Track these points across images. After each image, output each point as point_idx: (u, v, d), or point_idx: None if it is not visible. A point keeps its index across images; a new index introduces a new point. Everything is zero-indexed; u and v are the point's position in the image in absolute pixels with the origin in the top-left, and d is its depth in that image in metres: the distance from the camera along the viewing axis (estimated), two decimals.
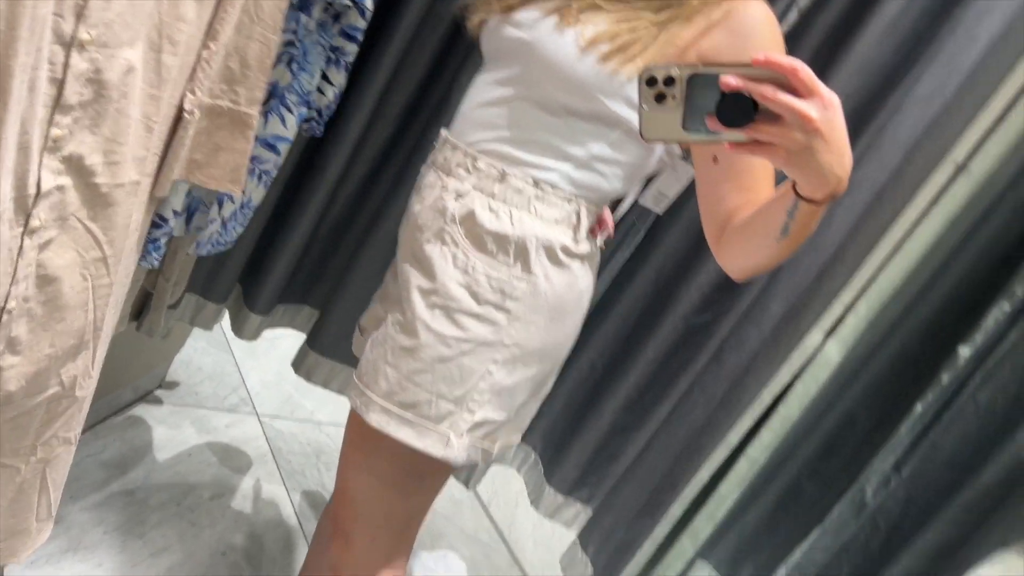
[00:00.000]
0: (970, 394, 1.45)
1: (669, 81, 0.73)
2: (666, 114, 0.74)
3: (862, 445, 1.59)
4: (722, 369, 1.49)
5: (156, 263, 1.14)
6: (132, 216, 0.89)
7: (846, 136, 0.75)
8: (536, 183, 0.98)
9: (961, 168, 1.15)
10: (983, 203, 1.15)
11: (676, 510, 1.35)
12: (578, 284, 1.02)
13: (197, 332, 1.81)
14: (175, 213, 1.12)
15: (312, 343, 1.69)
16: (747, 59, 0.71)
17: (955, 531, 1.43)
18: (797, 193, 0.81)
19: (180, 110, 0.89)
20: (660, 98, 0.74)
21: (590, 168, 0.99)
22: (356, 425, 1.03)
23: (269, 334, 1.75)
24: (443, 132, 1.07)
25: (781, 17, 1.36)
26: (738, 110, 0.72)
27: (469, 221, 0.98)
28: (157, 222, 1.10)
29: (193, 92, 0.88)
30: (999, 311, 1.42)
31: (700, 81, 0.73)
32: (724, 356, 1.52)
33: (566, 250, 0.99)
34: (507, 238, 0.97)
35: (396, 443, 0.98)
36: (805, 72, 0.70)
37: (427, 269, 0.99)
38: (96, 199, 0.83)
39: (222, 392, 2.13)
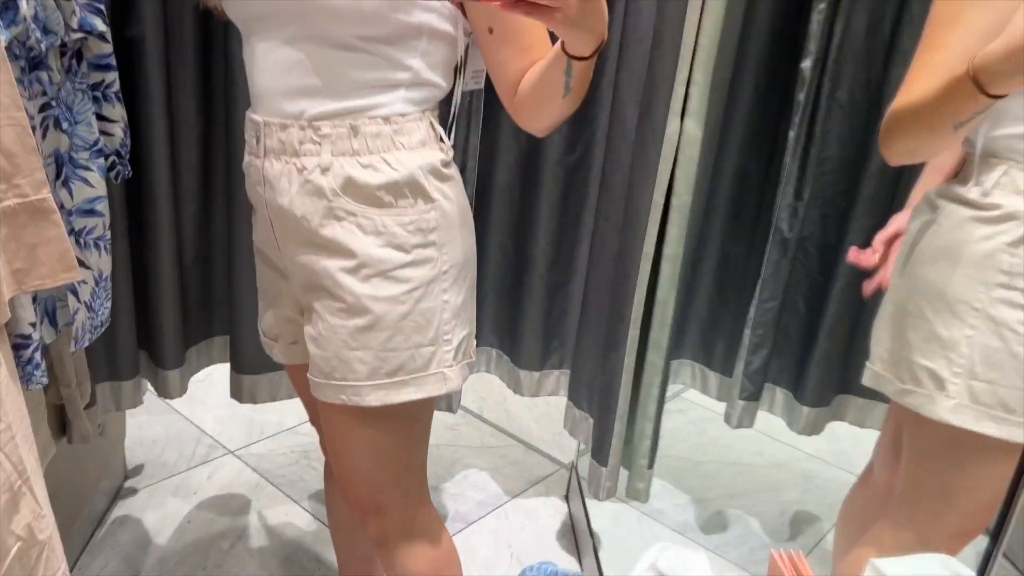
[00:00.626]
0: (827, 97, 1.52)
1: None
2: None
3: (760, 193, 1.67)
4: (611, 192, 1.52)
5: (45, 379, 1.09)
6: None
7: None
8: (387, 120, 0.96)
9: None
10: None
11: (633, 332, 1.41)
12: (461, 185, 1.04)
13: (132, 411, 1.76)
14: (33, 325, 1.06)
15: (238, 367, 1.66)
16: None
17: (874, 217, 1.52)
18: (568, 54, 0.86)
19: None
20: None
21: (418, 82, 0.98)
22: (343, 415, 1.02)
23: (198, 376, 1.72)
24: (255, 118, 1.00)
25: None
26: None
27: (352, 187, 0.96)
28: (20, 343, 1.05)
29: None
30: (818, 15, 1.47)
31: None
32: (608, 179, 1.54)
33: (444, 163, 1.00)
34: (396, 183, 0.96)
35: (395, 407, 1.00)
36: None
37: (339, 249, 0.97)
38: None
39: (187, 450, 2.09)
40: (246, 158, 1.04)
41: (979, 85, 0.85)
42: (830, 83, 1.50)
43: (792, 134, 1.55)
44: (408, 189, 0.96)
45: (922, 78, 0.94)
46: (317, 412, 1.15)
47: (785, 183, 1.59)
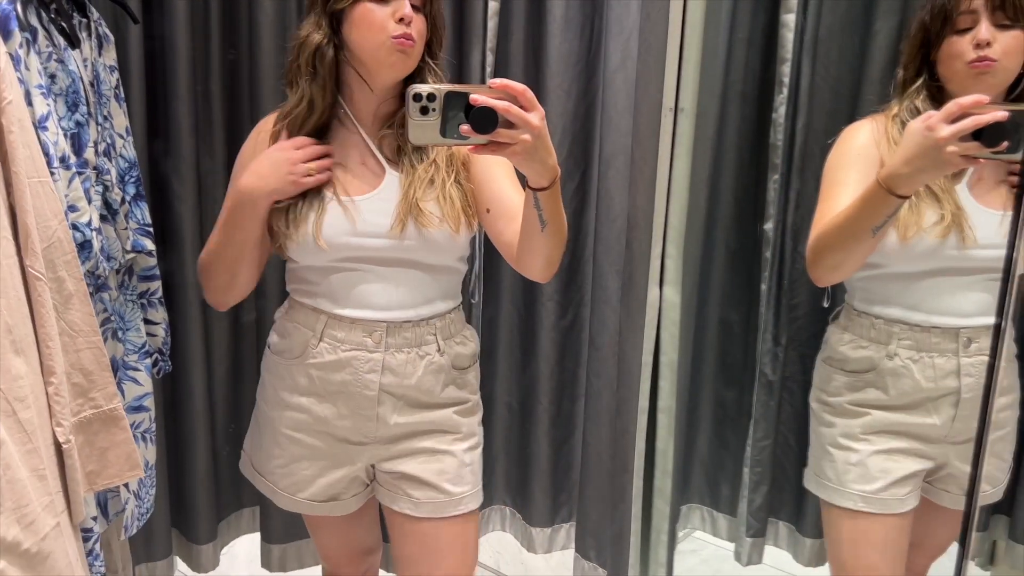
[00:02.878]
0: (791, 252, 1.69)
1: (431, 97, 0.96)
2: (427, 123, 0.97)
3: (743, 341, 1.82)
4: (600, 351, 1.67)
5: (103, 569, 1.18)
6: (67, 551, 0.96)
7: (549, 138, 1.03)
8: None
9: (676, 110, 1.37)
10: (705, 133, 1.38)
11: (637, 483, 1.51)
12: None
13: None
14: (95, 519, 1.17)
15: (268, 537, 1.75)
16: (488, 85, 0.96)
17: None
18: (531, 188, 1.07)
19: (57, 445, 0.96)
20: (424, 111, 0.96)
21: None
22: (449, 526, 1.30)
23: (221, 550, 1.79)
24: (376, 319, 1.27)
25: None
26: (485, 120, 0.95)
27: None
28: (84, 536, 1.15)
29: (60, 424, 0.96)
30: (773, 183, 1.66)
31: (454, 97, 0.96)
32: (597, 341, 1.70)
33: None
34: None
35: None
36: (529, 93, 0.97)
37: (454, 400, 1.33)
38: (32, 561, 0.89)
39: None
40: (348, 353, 1.25)
41: (889, 190, 1.12)
42: (791, 240, 1.69)
43: (764, 287, 1.72)
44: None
45: (827, 214, 1.25)
46: (361, 550, 1.46)
47: (763, 330, 1.75)
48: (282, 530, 1.75)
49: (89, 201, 1.15)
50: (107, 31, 1.31)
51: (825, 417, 1.40)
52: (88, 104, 1.18)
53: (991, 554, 1.92)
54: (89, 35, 1.24)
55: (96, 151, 1.20)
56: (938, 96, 1.26)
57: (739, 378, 1.82)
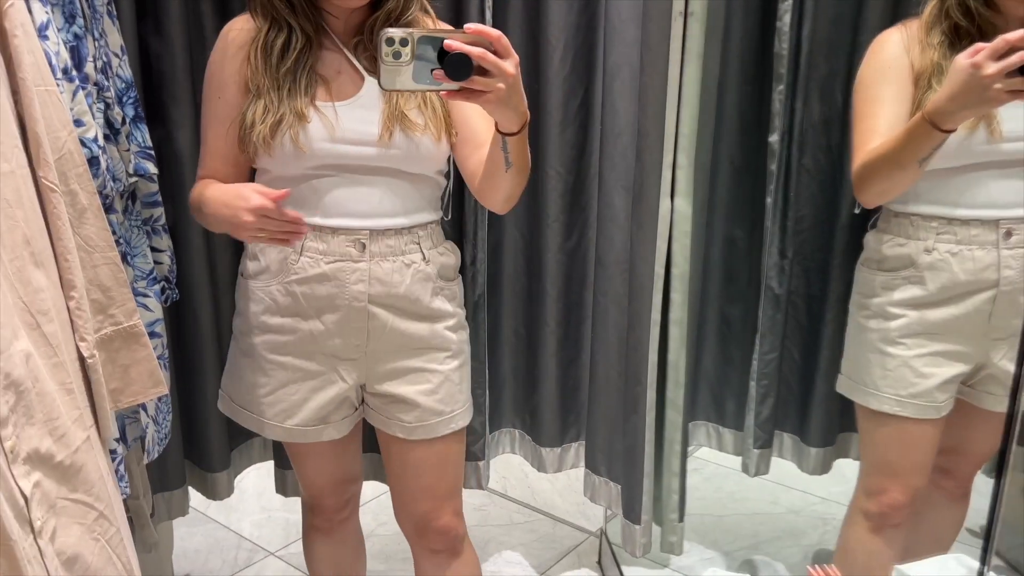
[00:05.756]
0: (796, 164, 1.69)
1: (404, 42, 0.93)
2: (400, 68, 0.94)
3: (748, 256, 1.82)
4: (607, 269, 1.67)
5: (128, 490, 1.19)
6: (99, 465, 0.95)
7: (521, 84, 1.00)
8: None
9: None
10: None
11: (650, 394, 1.53)
12: None
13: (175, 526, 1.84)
14: (118, 440, 1.17)
15: (281, 463, 1.76)
16: (462, 29, 0.93)
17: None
18: (501, 132, 1.06)
19: (81, 359, 0.95)
20: (396, 55, 0.93)
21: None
22: (440, 445, 1.34)
23: None
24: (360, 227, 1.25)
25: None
26: (459, 66, 0.93)
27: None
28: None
29: (83, 339, 0.95)
30: (778, 95, 1.64)
31: (427, 42, 0.93)
32: (605, 259, 1.69)
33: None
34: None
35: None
36: (504, 40, 0.94)
37: (443, 314, 1.33)
38: (66, 473, 0.89)
39: (230, 556, 2.15)
40: (332, 265, 1.23)
41: (934, 124, 1.13)
42: (797, 152, 1.68)
43: (769, 200, 1.72)
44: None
45: (869, 138, 1.26)
46: (345, 479, 1.46)
47: (769, 245, 1.75)
48: None
49: (93, 117, 1.12)
50: None
51: (862, 322, 1.42)
52: (84, 17, 1.14)
53: None
54: None
55: (95, 67, 1.17)
56: (983, 1, 1.23)
57: (744, 294, 1.83)
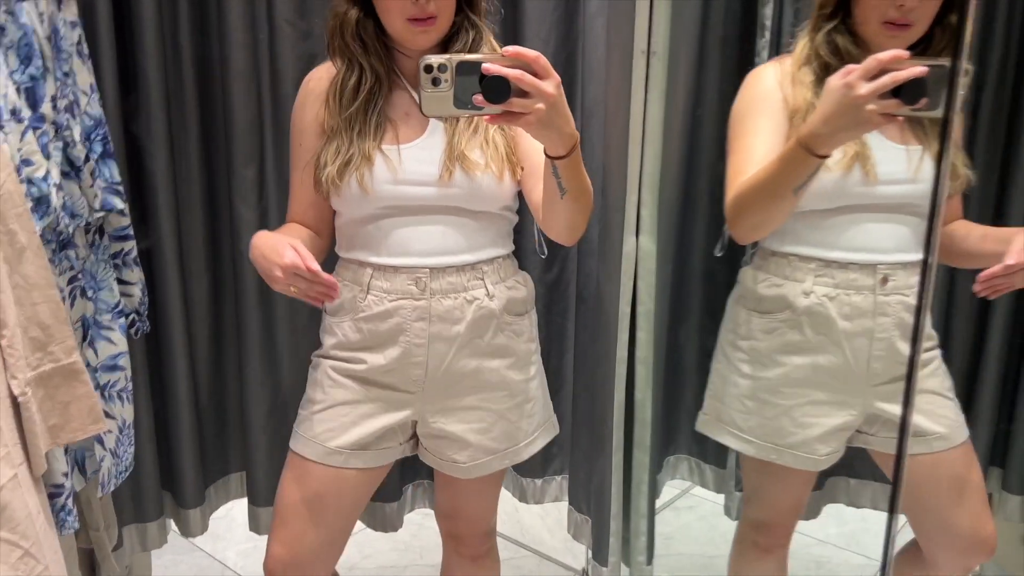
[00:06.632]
0: None
1: (443, 68, 0.95)
2: (441, 94, 0.96)
3: (727, 292, 1.79)
4: (586, 303, 1.66)
5: (76, 524, 1.19)
6: (26, 503, 0.96)
7: (567, 104, 1.00)
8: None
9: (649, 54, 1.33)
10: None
11: (617, 434, 1.50)
12: None
13: (158, 552, 1.84)
14: (66, 475, 1.18)
15: (255, 501, 1.76)
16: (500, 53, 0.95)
17: None
18: (550, 157, 1.05)
19: (13, 398, 0.96)
20: (436, 82, 0.95)
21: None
22: (491, 479, 1.39)
23: (219, 512, 1.80)
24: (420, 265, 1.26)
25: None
26: (498, 89, 0.94)
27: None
28: (55, 492, 1.16)
29: (14, 377, 0.96)
30: None
31: (466, 67, 0.95)
32: (584, 293, 1.68)
33: None
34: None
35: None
36: (543, 60, 0.95)
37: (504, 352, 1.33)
38: None
39: None
40: (394, 303, 1.26)
41: (809, 149, 1.09)
42: None
43: None
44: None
45: (743, 169, 1.23)
46: (352, 516, 1.40)
47: None
48: (271, 493, 1.75)
49: (48, 157, 1.15)
50: None
51: (739, 366, 1.37)
52: (44, 58, 1.17)
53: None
54: None
55: (55, 107, 1.19)
56: (851, 40, 1.22)
57: None
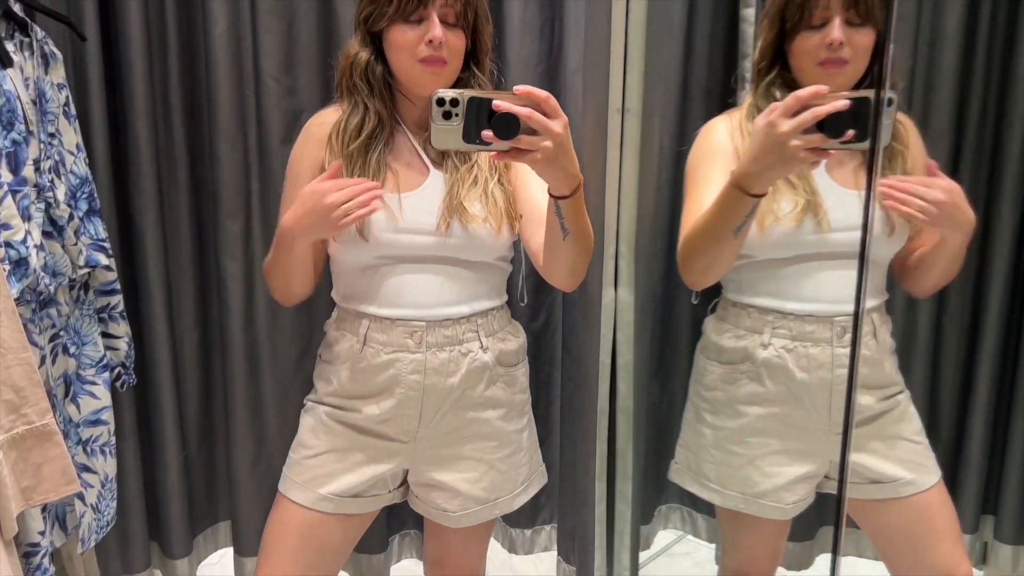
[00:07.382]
0: None
1: (455, 102, 0.97)
2: (450, 128, 0.97)
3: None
4: (571, 352, 1.66)
5: None
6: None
7: (572, 146, 1.02)
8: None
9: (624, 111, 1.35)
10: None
11: (600, 486, 1.50)
12: None
13: None
14: (42, 534, 1.19)
15: (241, 551, 1.75)
16: (511, 90, 0.96)
17: None
18: (553, 196, 1.07)
19: None
20: (447, 116, 0.97)
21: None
22: (480, 528, 1.38)
23: (211, 559, 1.80)
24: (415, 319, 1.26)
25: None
26: (507, 126, 0.96)
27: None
28: (30, 551, 1.17)
29: None
30: None
31: (477, 103, 0.96)
32: (569, 343, 1.69)
33: None
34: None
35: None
36: (552, 100, 0.97)
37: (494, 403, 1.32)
38: None
39: None
40: (391, 356, 1.25)
41: (743, 189, 1.10)
42: None
43: None
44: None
45: (692, 216, 1.24)
46: (338, 562, 1.37)
47: None
48: (256, 542, 1.75)
49: (28, 219, 1.17)
50: (54, 49, 1.32)
51: (704, 416, 1.37)
52: (27, 123, 1.20)
53: (983, 554, 1.88)
54: (32, 54, 1.26)
55: (38, 169, 1.22)
56: (793, 87, 1.21)
57: None
